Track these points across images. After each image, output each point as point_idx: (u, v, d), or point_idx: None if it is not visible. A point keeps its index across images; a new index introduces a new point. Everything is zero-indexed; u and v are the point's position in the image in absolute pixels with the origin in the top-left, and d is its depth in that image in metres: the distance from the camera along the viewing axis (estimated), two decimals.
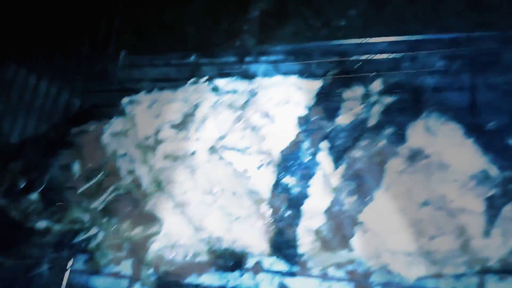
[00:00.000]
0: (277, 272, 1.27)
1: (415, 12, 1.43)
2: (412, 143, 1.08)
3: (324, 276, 1.22)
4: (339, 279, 1.19)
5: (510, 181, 1.03)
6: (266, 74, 1.40)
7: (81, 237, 1.38)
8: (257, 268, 1.29)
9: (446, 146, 1.08)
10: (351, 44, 1.35)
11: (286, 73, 1.50)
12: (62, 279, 1.36)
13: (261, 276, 1.40)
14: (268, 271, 1.28)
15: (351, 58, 1.30)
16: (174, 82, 1.53)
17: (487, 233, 1.02)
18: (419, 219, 1.03)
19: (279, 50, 1.48)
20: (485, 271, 1.05)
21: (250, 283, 1.44)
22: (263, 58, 1.54)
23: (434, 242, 1.03)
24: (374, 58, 1.31)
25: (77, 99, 1.63)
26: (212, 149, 1.13)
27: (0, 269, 1.48)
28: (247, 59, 1.55)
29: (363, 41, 1.34)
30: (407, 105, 1.10)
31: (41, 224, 1.35)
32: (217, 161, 1.12)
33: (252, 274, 1.37)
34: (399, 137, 1.06)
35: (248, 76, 1.39)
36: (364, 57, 1.31)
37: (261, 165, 1.07)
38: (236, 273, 1.43)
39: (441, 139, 1.09)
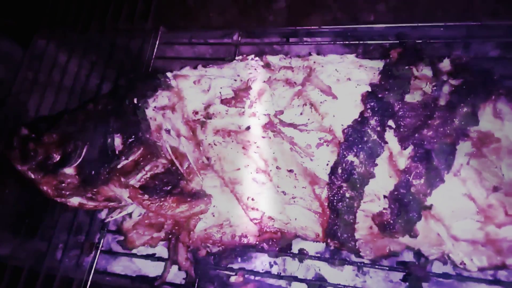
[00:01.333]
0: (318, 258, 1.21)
1: None
2: (482, 126, 1.03)
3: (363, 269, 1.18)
4: (389, 268, 1.13)
5: None
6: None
7: (115, 215, 1.32)
8: (301, 254, 1.24)
9: None
10: (406, 26, 1.31)
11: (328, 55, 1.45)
12: (91, 261, 1.29)
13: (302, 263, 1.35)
14: (311, 256, 1.23)
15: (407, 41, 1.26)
16: (216, 60, 1.49)
17: None
18: (488, 205, 0.97)
19: (326, 32, 1.44)
20: None
21: (293, 268, 1.39)
22: (309, 39, 1.50)
23: (502, 230, 0.98)
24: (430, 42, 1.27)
25: (112, 75, 1.58)
26: (268, 125, 1.07)
27: (28, 251, 1.42)
28: (292, 40, 1.50)
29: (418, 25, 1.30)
30: (476, 88, 1.05)
31: (75, 200, 1.28)
32: (273, 138, 1.06)
33: (295, 260, 1.32)
34: (472, 119, 1.01)
35: (298, 55, 1.34)
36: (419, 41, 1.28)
37: (322, 143, 1.02)
38: (280, 259, 1.38)
39: (510, 124, 1.04)
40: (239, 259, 1.34)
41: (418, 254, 1.07)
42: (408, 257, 1.22)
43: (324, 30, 1.40)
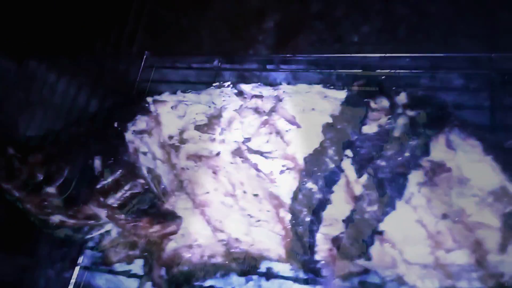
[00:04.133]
0: (287, 279, 1.28)
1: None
2: (434, 156, 1.10)
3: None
4: None
5: None
6: (287, 82, 1.44)
7: (94, 233, 1.38)
8: (269, 273, 1.30)
9: (466, 161, 1.11)
10: (374, 57, 1.39)
11: (308, 82, 1.54)
12: (71, 276, 1.36)
13: (269, 283, 1.41)
14: (278, 276, 1.29)
15: (374, 72, 1.35)
16: (196, 85, 1.57)
17: (503, 249, 1.03)
18: (438, 231, 1.04)
19: (301, 60, 1.52)
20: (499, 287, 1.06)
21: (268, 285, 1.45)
22: (285, 66, 1.58)
23: (450, 255, 1.04)
24: (396, 72, 1.36)
25: (98, 97, 1.65)
26: (237, 151, 1.14)
27: (10, 265, 1.48)
28: (269, 66, 1.59)
29: (386, 55, 1.39)
30: (430, 120, 1.13)
31: (55, 218, 1.35)
32: (241, 164, 1.13)
33: (262, 279, 1.38)
34: (423, 150, 1.08)
35: (270, 83, 1.42)
36: (386, 71, 1.36)
37: (284, 170, 1.09)
38: (242, 279, 1.44)
39: (462, 154, 1.11)
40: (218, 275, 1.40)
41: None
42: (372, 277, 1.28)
43: (299, 58, 1.49)
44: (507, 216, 1.05)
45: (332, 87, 1.24)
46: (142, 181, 1.29)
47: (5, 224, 1.58)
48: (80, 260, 1.40)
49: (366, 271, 1.14)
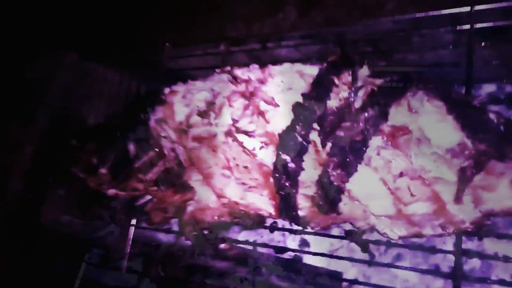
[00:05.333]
0: (291, 231, 1.52)
1: None
2: (397, 121, 1.23)
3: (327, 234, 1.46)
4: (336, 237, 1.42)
5: (482, 154, 1.14)
6: (285, 59, 1.60)
7: (140, 201, 1.75)
8: (274, 227, 1.56)
9: (428, 122, 1.21)
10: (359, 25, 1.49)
11: (305, 55, 1.69)
12: (127, 234, 1.76)
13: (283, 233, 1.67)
14: (284, 229, 1.55)
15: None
16: (210, 69, 1.80)
17: (459, 199, 1.16)
18: (396, 188, 1.19)
19: (297, 36, 1.67)
20: (460, 232, 1.20)
21: (280, 238, 1.72)
22: (284, 42, 1.73)
23: (409, 208, 1.19)
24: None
25: (134, 86, 1.99)
26: (228, 132, 1.38)
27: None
28: (269, 44, 1.76)
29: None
30: (393, 87, 1.24)
31: (111, 191, 1.73)
32: (231, 142, 1.37)
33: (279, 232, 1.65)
34: (382, 117, 1.21)
35: (267, 62, 1.60)
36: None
37: (262, 146, 1.31)
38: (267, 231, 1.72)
39: (424, 116, 1.22)
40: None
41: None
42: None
43: (293, 34, 1.64)
44: (463, 170, 1.16)
45: (309, 62, 1.38)
46: (168, 159, 1.60)
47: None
48: (134, 221, 1.79)
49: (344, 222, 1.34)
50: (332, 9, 1.67)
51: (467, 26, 1.35)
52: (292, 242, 1.84)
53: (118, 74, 2.11)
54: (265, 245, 1.53)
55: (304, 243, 1.79)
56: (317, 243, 1.79)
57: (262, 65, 1.49)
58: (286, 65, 1.44)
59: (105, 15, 2.21)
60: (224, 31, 1.84)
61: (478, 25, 1.36)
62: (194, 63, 1.94)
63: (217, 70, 1.60)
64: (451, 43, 1.46)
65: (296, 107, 1.28)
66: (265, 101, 1.34)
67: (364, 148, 1.21)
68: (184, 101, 1.54)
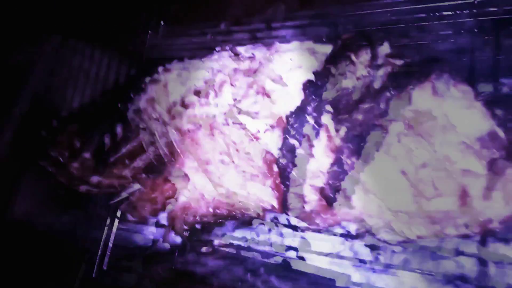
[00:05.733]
0: (293, 227, 1.38)
1: None
2: (418, 105, 1.10)
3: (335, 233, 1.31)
4: (348, 235, 1.28)
5: None
6: (291, 40, 1.46)
7: (128, 190, 1.59)
8: (274, 223, 1.41)
9: (454, 108, 1.08)
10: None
11: (314, 38, 1.55)
12: (112, 228, 1.60)
13: (284, 230, 1.53)
14: (285, 225, 1.40)
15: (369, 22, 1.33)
16: (208, 50, 1.66)
17: (488, 195, 1.03)
18: (418, 180, 1.06)
19: (304, 15, 1.53)
20: (487, 233, 1.07)
21: (277, 238, 1.58)
22: (289, 23, 1.59)
23: (433, 202, 1.06)
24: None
25: (126, 67, 1.83)
26: (228, 113, 1.23)
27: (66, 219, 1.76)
28: (274, 25, 1.61)
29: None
30: (415, 68, 1.11)
31: (94, 179, 1.57)
32: (232, 125, 1.22)
33: (275, 228, 1.50)
34: (404, 100, 1.08)
35: (272, 42, 1.46)
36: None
37: (268, 129, 1.16)
38: (265, 228, 1.57)
39: (450, 102, 1.09)
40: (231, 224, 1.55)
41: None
42: None
43: (300, 14, 1.50)
44: (494, 162, 1.03)
45: (325, 41, 1.25)
46: (160, 144, 1.44)
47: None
48: (119, 213, 1.63)
49: (356, 218, 1.20)
50: None
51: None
52: (291, 242, 1.68)
53: (106, 55, 1.95)
54: (262, 243, 1.38)
55: (305, 243, 1.64)
56: (318, 244, 1.64)
57: (268, 45, 1.35)
58: (295, 43, 1.30)
59: None
60: (225, 10, 1.69)
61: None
62: (190, 44, 1.78)
63: (217, 48, 1.45)
64: (473, 29, 1.33)
65: (307, 86, 1.14)
66: (272, 79, 1.20)
67: (384, 134, 1.07)
68: (179, 79, 1.39)
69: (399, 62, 1.13)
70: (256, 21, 1.62)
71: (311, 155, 1.12)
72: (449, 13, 1.30)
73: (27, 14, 2.17)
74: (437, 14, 1.32)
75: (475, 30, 1.31)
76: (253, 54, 1.30)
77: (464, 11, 1.28)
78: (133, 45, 1.79)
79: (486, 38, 1.30)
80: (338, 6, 1.44)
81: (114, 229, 1.62)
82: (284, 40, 1.49)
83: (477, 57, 1.18)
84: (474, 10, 1.26)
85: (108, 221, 1.65)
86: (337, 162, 1.09)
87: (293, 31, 1.63)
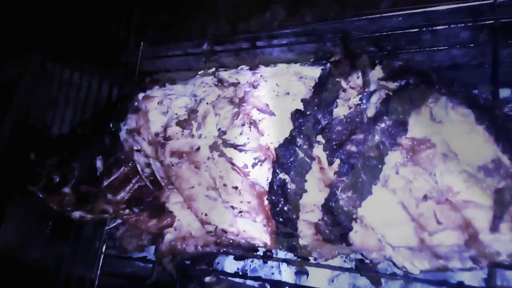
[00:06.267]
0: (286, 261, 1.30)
1: None
2: (415, 133, 1.02)
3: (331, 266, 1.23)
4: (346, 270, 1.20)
5: None
6: (277, 59, 1.39)
7: (111, 224, 1.50)
8: (267, 256, 1.33)
9: (454, 133, 1.01)
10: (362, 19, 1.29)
11: (300, 54, 1.48)
12: (97, 264, 1.51)
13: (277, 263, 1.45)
14: (279, 259, 1.32)
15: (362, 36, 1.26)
16: (191, 72, 1.57)
17: (495, 228, 0.96)
18: (420, 214, 0.99)
19: (290, 33, 1.45)
20: (494, 266, 1.00)
21: (273, 270, 1.50)
22: (275, 41, 1.51)
23: (436, 237, 0.99)
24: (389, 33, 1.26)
25: (106, 90, 1.74)
26: (213, 146, 1.15)
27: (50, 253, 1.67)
28: (259, 43, 1.53)
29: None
30: (411, 92, 1.03)
31: (76, 214, 1.48)
32: (217, 158, 1.14)
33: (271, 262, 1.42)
34: (400, 128, 1.00)
35: (257, 63, 1.38)
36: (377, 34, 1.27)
37: (256, 163, 1.08)
38: (260, 261, 1.49)
39: (449, 126, 1.02)
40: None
41: None
42: None
43: (286, 31, 1.42)
44: (500, 192, 0.96)
45: (307, 63, 1.17)
46: (143, 176, 1.36)
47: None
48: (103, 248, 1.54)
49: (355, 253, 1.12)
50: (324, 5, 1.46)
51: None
52: (288, 275, 1.59)
53: (86, 78, 1.86)
54: (258, 278, 1.30)
55: (302, 272, 1.56)
56: (315, 272, 1.56)
57: (252, 67, 1.27)
58: (281, 66, 1.22)
59: (73, 12, 1.96)
60: (207, 29, 1.61)
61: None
62: (173, 64, 1.70)
63: (199, 73, 1.37)
64: (470, 41, 1.27)
65: (296, 116, 1.06)
66: (258, 109, 1.12)
67: (380, 166, 0.99)
68: (161, 108, 1.31)
69: (393, 85, 1.05)
70: (240, 40, 1.54)
71: (304, 190, 1.04)
72: (444, 27, 1.24)
73: (8, 31, 2.08)
74: (431, 28, 1.25)
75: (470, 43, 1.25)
76: (237, 79, 1.22)
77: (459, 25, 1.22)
78: (114, 64, 1.70)
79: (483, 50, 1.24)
80: (325, 23, 1.37)
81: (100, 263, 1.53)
82: (270, 57, 1.42)
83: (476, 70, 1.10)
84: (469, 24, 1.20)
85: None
86: (331, 197, 1.01)
87: (279, 49, 1.55)
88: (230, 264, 1.46)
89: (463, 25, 1.22)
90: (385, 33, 1.28)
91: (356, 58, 1.07)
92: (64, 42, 1.90)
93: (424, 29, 1.25)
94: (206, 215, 1.16)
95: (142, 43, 1.66)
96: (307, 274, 1.50)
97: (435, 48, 1.24)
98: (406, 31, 1.27)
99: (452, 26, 1.22)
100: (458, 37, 1.28)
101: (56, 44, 1.92)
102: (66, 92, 1.86)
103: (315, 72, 1.14)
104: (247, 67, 1.27)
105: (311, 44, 1.49)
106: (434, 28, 1.24)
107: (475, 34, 1.25)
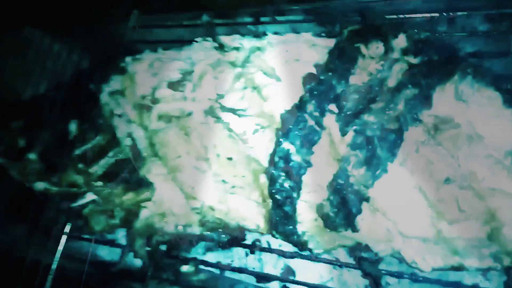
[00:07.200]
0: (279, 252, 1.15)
1: None
2: (438, 110, 0.92)
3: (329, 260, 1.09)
4: (345, 265, 1.07)
5: None
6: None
7: (78, 201, 1.32)
8: (256, 246, 1.18)
9: (480, 116, 0.91)
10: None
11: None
12: (58, 244, 1.32)
13: (264, 256, 1.29)
14: (270, 250, 1.17)
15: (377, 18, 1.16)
16: (186, 44, 1.44)
17: None
18: (440, 199, 0.87)
19: (298, 10, 1.35)
20: None
21: (255, 264, 1.34)
22: (281, 18, 1.41)
23: (456, 228, 0.87)
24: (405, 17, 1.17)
25: (86, 60, 1.58)
26: (209, 110, 1.02)
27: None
28: (263, 19, 1.42)
29: None
30: (436, 66, 0.93)
31: (40, 185, 1.30)
32: (213, 124, 1.00)
33: (256, 253, 1.26)
34: (423, 102, 0.90)
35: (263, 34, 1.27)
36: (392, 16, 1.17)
37: (257, 130, 0.95)
38: (241, 252, 1.33)
39: (475, 108, 0.92)
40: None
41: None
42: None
43: (294, 8, 1.32)
44: None
45: (323, 35, 1.06)
46: (122, 146, 1.20)
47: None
48: (67, 228, 1.35)
49: (359, 244, 0.99)
50: None
51: None
52: (272, 269, 1.43)
53: (66, 46, 1.70)
54: (243, 270, 1.14)
55: (289, 271, 1.40)
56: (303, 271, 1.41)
57: (258, 34, 1.15)
58: (291, 35, 1.11)
59: None
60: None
61: None
62: (166, 36, 1.56)
63: (197, 39, 1.24)
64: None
65: (307, 80, 0.93)
66: (263, 72, 1.00)
67: (399, 141, 0.88)
68: (150, 70, 1.17)
69: (414, 61, 0.95)
70: (243, 14, 1.43)
71: (309, 164, 0.91)
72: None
73: None
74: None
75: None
76: (240, 44, 1.10)
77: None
78: (102, 34, 1.55)
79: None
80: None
81: (60, 247, 1.34)
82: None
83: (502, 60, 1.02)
84: None
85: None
86: (341, 173, 0.88)
87: (286, 27, 1.44)
88: (211, 253, 1.29)
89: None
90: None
91: (378, 27, 0.97)
92: (46, 7, 1.75)
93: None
94: (192, 188, 1.01)
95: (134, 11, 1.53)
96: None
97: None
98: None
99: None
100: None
101: (38, 10, 1.76)
102: (43, 61, 1.70)
103: (329, 41, 1.03)
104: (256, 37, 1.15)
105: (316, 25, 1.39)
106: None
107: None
